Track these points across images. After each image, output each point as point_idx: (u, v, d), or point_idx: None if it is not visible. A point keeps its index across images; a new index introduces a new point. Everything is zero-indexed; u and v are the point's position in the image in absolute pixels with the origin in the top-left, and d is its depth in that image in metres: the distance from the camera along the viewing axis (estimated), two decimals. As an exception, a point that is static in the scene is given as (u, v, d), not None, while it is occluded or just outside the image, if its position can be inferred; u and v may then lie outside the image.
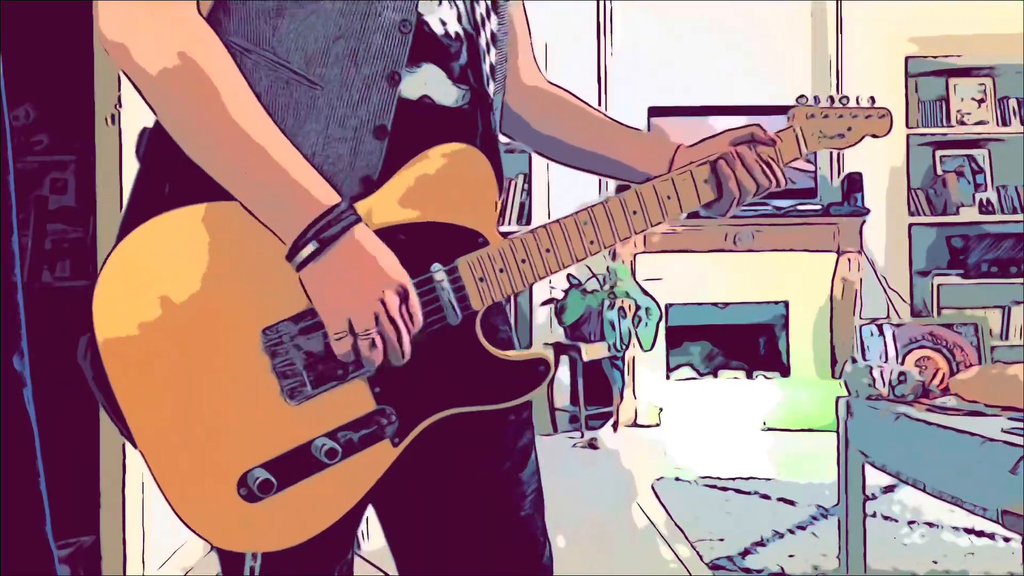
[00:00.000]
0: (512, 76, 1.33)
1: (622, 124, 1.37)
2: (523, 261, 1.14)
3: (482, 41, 1.18)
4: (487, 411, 1.14)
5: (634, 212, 1.21)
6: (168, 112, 1.03)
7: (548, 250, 1.16)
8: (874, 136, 1.38)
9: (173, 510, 1.03)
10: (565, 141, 1.36)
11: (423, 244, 1.09)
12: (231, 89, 1.01)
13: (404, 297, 1.04)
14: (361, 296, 1.02)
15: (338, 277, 1.02)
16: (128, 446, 2.25)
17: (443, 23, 1.14)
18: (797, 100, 1.36)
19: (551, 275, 1.17)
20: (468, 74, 1.16)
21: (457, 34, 1.15)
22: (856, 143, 1.38)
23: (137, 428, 1.02)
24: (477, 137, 1.16)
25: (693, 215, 5.54)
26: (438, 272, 1.10)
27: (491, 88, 1.20)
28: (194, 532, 1.04)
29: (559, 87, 1.39)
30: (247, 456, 1.03)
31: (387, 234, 1.06)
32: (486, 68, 1.19)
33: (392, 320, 1.03)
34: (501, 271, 1.13)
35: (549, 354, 1.17)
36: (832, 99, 1.37)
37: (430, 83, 1.13)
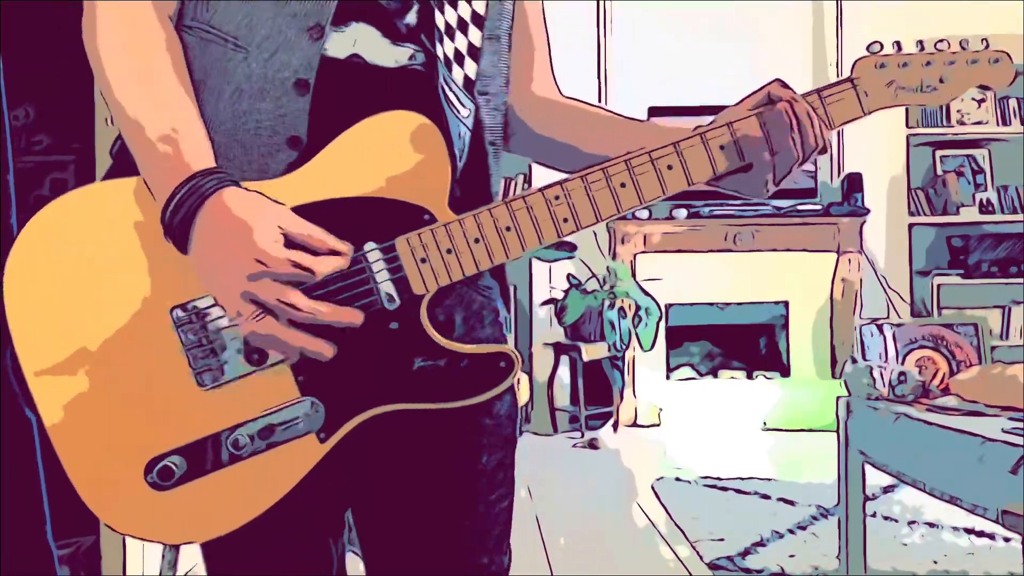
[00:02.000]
0: (521, 82, 1.24)
1: (639, 122, 1.22)
2: (476, 241, 1.01)
3: (450, 14, 1.10)
4: (454, 410, 1.03)
5: (622, 185, 1.04)
6: (100, 87, 1.04)
7: (509, 228, 1.01)
8: (985, 88, 1.11)
9: (79, 493, 0.99)
10: (565, 142, 1.23)
11: (359, 221, 0.99)
12: (132, 63, 1.01)
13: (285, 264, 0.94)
14: (229, 274, 0.94)
15: (205, 257, 0.95)
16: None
17: None
18: (868, 48, 1.10)
19: (514, 258, 1.03)
20: (421, 37, 1.08)
21: None
22: (956, 97, 1.11)
23: (45, 409, 0.98)
24: (429, 99, 1.06)
25: (694, 215, 5.56)
26: (372, 251, 0.99)
27: (467, 67, 1.12)
28: (100, 518, 1.00)
29: (574, 99, 1.27)
30: (155, 442, 0.97)
31: (317, 210, 0.99)
32: (458, 44, 1.11)
33: (280, 298, 0.93)
34: (449, 252, 1.00)
35: (512, 349, 1.04)
36: (921, 44, 1.10)
37: (361, 42, 1.05)
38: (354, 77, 1.05)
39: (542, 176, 5.69)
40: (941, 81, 1.10)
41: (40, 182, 2.91)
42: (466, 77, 1.13)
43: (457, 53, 1.12)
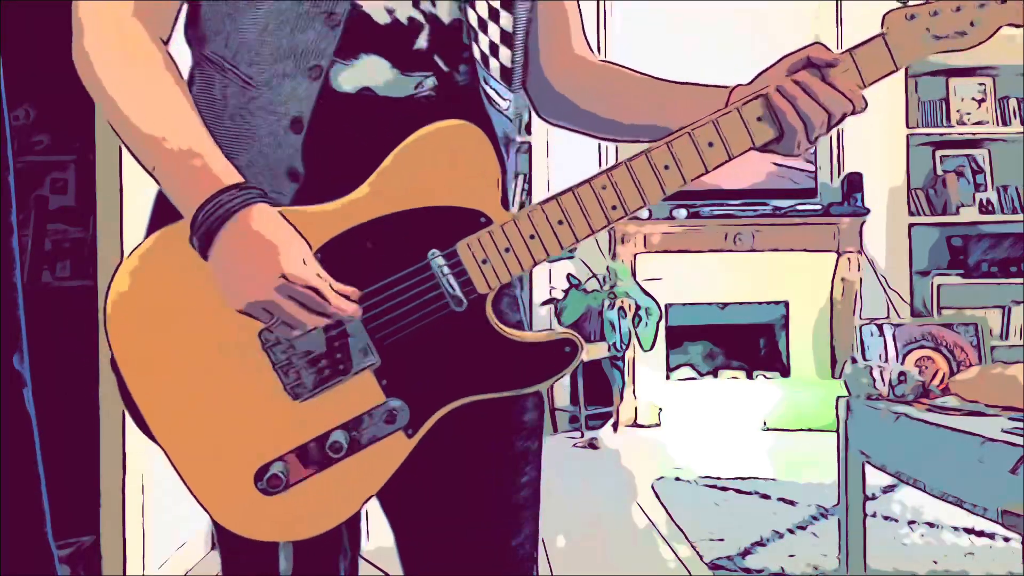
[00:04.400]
0: (554, 51, 1.28)
1: (680, 84, 1.26)
2: (532, 237, 1.07)
3: (481, 7, 1.13)
4: (495, 402, 1.10)
5: (665, 167, 1.08)
6: (102, 108, 1.08)
7: (561, 222, 1.07)
8: (1014, 25, 1.09)
9: (203, 507, 1.07)
10: (609, 118, 1.26)
11: (420, 231, 1.06)
12: (137, 83, 1.06)
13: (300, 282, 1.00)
14: (252, 285, 0.99)
15: (229, 266, 1.00)
16: (128, 446, 2.25)
17: (389, 11, 1.10)
18: None
19: (567, 248, 1.08)
20: (435, 59, 1.12)
21: (412, 19, 1.11)
22: (985, 40, 1.10)
23: (159, 432, 1.06)
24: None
25: (694, 215, 5.56)
26: (436, 258, 1.06)
27: (502, 56, 1.16)
28: (223, 525, 1.07)
29: (610, 61, 1.32)
30: (260, 452, 1.05)
31: (380, 225, 1.05)
32: (477, 50, 1.13)
33: (300, 307, 1.00)
34: (507, 251, 1.07)
35: (575, 335, 1.10)
36: None
37: (371, 75, 1.10)
38: (363, 110, 1.09)
39: (541, 175, 5.69)
40: (972, 25, 1.10)
41: (40, 182, 2.91)
42: (502, 67, 1.16)
43: (492, 45, 1.15)
